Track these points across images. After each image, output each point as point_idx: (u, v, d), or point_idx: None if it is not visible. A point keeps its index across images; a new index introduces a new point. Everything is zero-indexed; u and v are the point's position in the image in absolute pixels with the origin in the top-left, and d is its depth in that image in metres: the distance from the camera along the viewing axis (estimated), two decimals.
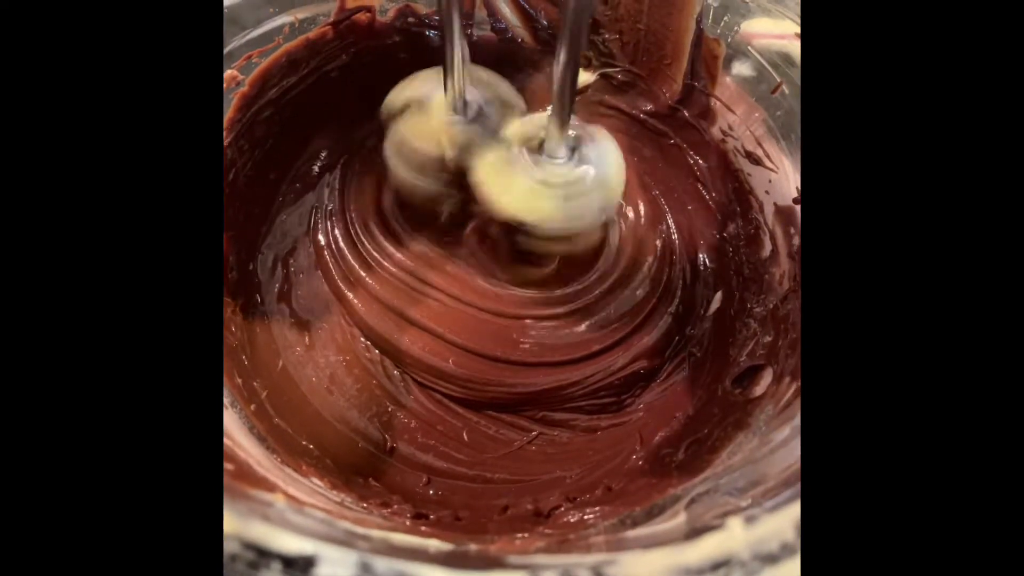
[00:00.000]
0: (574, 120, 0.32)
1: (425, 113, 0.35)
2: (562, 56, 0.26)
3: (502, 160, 0.33)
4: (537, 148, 0.32)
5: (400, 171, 0.36)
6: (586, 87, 0.44)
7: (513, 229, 0.33)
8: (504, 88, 0.37)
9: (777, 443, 0.25)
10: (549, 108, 0.30)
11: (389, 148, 0.36)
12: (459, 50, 0.31)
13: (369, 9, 0.40)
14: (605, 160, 0.33)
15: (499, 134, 0.34)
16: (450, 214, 0.38)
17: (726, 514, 0.21)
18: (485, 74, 0.37)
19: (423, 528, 0.26)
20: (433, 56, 0.43)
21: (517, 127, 0.34)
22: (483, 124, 0.34)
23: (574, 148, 0.32)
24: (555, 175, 0.31)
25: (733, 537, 0.17)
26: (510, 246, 0.37)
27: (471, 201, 0.35)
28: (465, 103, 0.34)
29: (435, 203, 0.38)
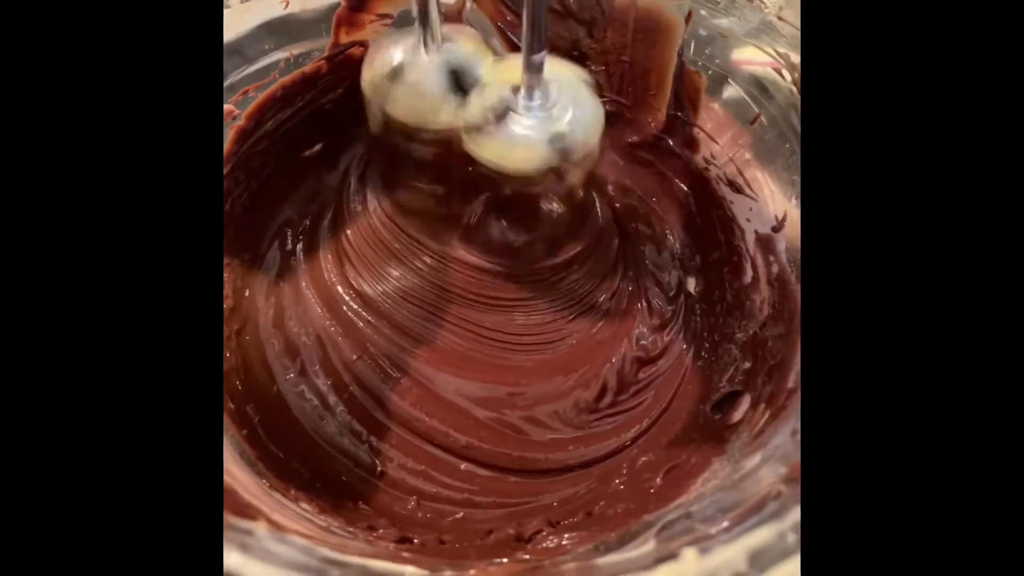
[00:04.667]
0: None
1: (410, 81, 0.34)
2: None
3: (481, 113, 0.33)
4: (512, 92, 0.32)
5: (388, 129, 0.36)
6: None
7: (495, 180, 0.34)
8: (472, 33, 0.37)
9: (747, 470, 0.25)
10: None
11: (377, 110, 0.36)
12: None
13: (363, 44, 0.41)
14: (579, 97, 0.33)
15: (478, 81, 0.34)
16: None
17: (693, 542, 0.22)
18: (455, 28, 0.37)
19: (404, 553, 0.27)
20: None
21: (493, 72, 0.34)
22: (456, 74, 0.34)
23: (547, 92, 0.32)
24: (526, 120, 0.32)
25: (686, 567, 0.17)
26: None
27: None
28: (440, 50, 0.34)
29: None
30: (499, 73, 0.34)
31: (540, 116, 0.32)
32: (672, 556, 0.18)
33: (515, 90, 0.32)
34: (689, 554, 0.18)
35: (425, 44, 0.33)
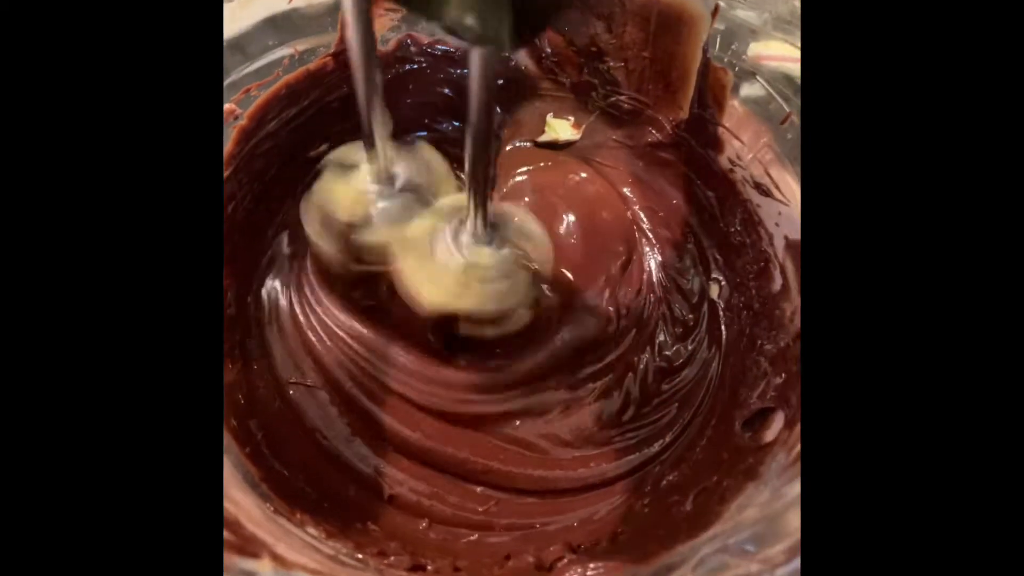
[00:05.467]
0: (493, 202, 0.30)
1: (346, 178, 0.33)
2: (470, 138, 0.24)
3: (421, 245, 0.31)
4: (456, 230, 0.30)
5: (312, 232, 0.34)
6: (571, 142, 0.43)
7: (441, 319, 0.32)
8: (437, 163, 0.35)
9: (789, 499, 0.24)
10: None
11: (306, 206, 0.34)
12: (381, 120, 0.28)
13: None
14: (529, 238, 0.32)
15: (423, 209, 0.32)
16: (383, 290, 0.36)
17: None
18: (425, 150, 0.35)
19: None
20: (434, 84, 0.43)
21: (441, 207, 0.32)
22: (409, 197, 0.33)
23: (495, 227, 0.30)
24: (474, 258, 0.30)
25: None
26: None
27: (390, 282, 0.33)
28: (391, 176, 0.32)
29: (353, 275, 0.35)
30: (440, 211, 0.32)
31: (471, 251, 0.30)
32: None
33: (461, 223, 0.30)
34: None
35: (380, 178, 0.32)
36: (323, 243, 0.34)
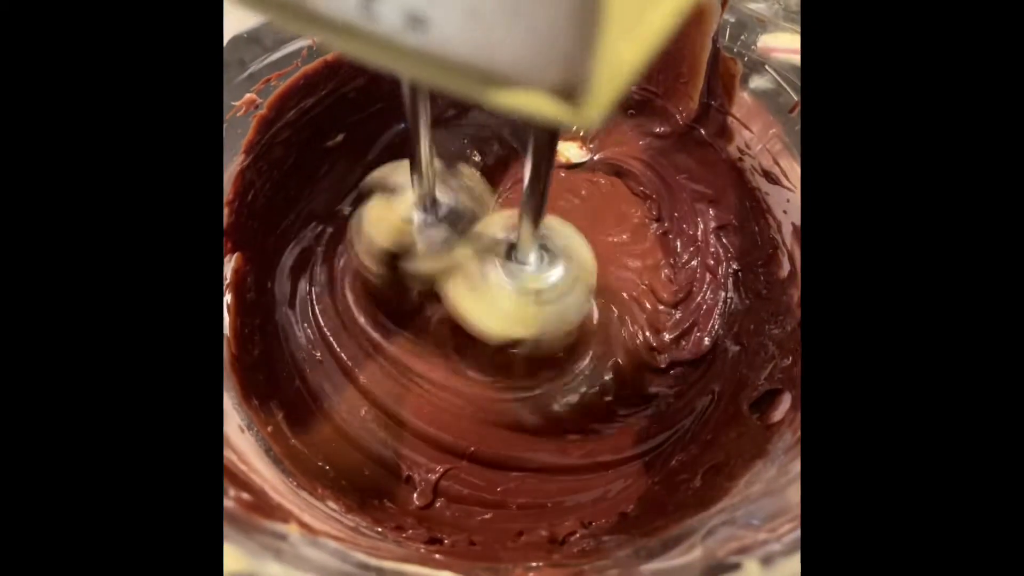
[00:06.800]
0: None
1: (389, 203, 0.32)
2: (529, 164, 0.23)
3: (472, 274, 0.30)
4: (505, 254, 0.29)
5: (359, 253, 0.34)
6: (582, 163, 0.44)
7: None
8: (480, 188, 0.34)
9: (795, 474, 0.24)
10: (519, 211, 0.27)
11: (353, 228, 0.34)
12: (426, 146, 0.27)
13: None
14: (574, 253, 0.31)
15: (466, 236, 0.31)
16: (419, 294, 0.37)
17: (743, 550, 0.21)
18: (466, 174, 0.34)
19: (437, 556, 0.26)
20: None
21: (485, 230, 0.31)
22: (451, 225, 0.32)
23: (542, 247, 0.29)
24: (531, 282, 0.29)
25: None
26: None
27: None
28: (435, 201, 0.31)
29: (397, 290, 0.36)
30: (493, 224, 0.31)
31: (525, 275, 0.29)
32: (730, 567, 0.17)
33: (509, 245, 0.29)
34: (751, 565, 0.17)
35: (424, 206, 0.31)
36: (369, 265, 0.33)
